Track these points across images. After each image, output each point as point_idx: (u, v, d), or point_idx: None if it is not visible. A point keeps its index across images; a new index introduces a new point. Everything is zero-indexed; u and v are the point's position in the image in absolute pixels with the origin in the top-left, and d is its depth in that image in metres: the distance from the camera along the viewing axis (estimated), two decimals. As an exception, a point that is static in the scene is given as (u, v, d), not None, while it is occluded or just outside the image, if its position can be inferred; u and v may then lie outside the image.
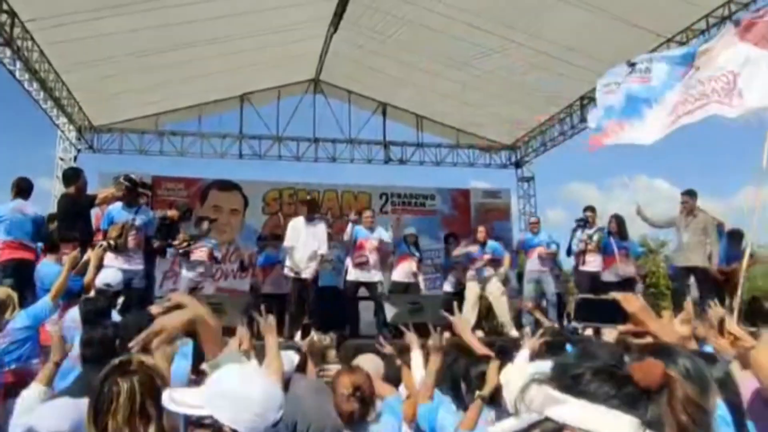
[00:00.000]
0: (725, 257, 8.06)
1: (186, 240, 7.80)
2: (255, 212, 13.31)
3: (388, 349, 3.73)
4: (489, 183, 16.91)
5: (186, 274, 8.15)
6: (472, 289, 8.46)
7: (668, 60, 5.77)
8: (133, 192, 6.45)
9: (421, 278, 9.17)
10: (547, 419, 0.93)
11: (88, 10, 8.57)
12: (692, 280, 7.83)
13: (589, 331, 5.97)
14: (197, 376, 2.30)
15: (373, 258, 8.00)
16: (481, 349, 3.21)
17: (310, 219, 7.74)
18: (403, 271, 8.72)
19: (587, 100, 12.10)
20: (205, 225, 8.37)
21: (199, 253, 8.11)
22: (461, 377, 3.02)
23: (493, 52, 10.62)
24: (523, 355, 3.10)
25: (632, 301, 1.68)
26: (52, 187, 12.34)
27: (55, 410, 2.24)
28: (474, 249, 8.63)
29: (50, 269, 4.80)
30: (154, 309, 2.88)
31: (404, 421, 2.81)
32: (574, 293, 9.83)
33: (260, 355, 3.46)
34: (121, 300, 4.93)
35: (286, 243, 7.65)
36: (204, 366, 1.62)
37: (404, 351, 3.61)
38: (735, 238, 8.17)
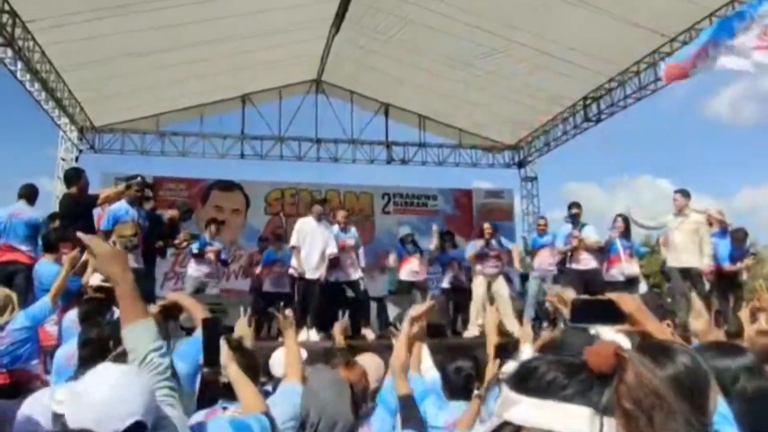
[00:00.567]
0: (729, 257, 8.02)
1: (186, 239, 7.78)
2: (257, 212, 13.32)
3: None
4: (492, 183, 16.90)
5: (192, 273, 8.14)
6: (479, 287, 8.39)
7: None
8: (142, 193, 6.49)
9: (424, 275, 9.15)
10: (506, 423, 0.89)
11: (89, 10, 8.56)
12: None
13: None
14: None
15: (351, 257, 7.97)
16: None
17: (319, 219, 7.72)
18: (406, 271, 8.83)
19: (590, 99, 12.09)
20: (213, 228, 8.35)
21: (209, 254, 8.11)
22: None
23: (496, 52, 10.60)
24: (525, 352, 3.07)
25: (629, 302, 1.66)
26: (53, 188, 12.34)
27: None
28: (479, 245, 8.56)
29: (49, 269, 4.79)
30: (152, 308, 2.86)
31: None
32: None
33: (266, 354, 3.44)
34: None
35: (293, 243, 7.59)
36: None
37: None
38: (738, 237, 8.13)
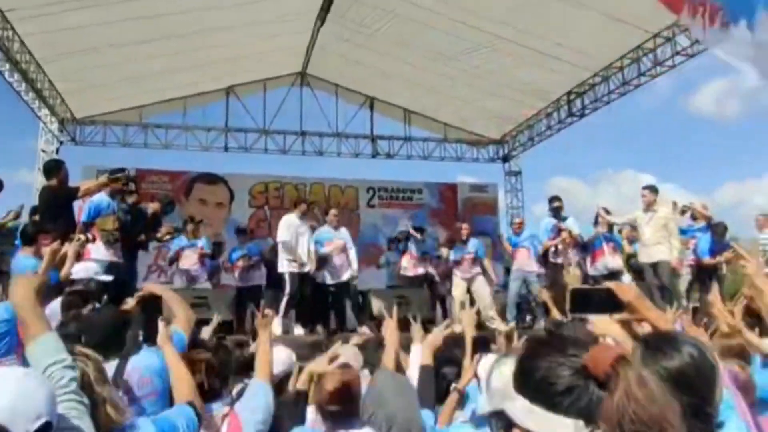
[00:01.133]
0: (710, 250, 8.12)
1: (169, 232, 7.72)
2: (241, 206, 13.25)
3: (360, 337, 3.70)
4: (476, 177, 16.94)
5: (178, 277, 8.15)
6: (459, 287, 8.46)
7: None
8: (127, 187, 6.43)
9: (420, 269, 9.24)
10: (503, 411, 0.96)
11: (71, -1, 8.45)
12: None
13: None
14: None
15: (340, 259, 7.90)
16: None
17: (302, 218, 7.72)
18: (403, 267, 9.18)
19: (574, 95, 12.15)
20: (191, 227, 8.29)
21: (187, 260, 8.05)
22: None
23: (481, 47, 10.61)
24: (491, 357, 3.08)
25: (627, 291, 1.66)
26: (34, 180, 12.17)
27: None
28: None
29: (26, 263, 4.71)
30: (130, 302, 2.84)
31: None
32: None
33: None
34: (105, 293, 4.87)
35: (284, 238, 7.56)
36: None
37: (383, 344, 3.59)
38: (719, 231, 8.22)
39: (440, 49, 11.01)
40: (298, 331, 7.40)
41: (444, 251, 9.13)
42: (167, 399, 2.45)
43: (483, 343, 2.93)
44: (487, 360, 2.51)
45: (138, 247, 7.21)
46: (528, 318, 9.08)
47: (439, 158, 14.83)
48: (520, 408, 0.94)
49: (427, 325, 4.26)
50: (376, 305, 7.48)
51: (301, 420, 2.60)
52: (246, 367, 3.44)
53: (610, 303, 1.67)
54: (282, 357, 3.08)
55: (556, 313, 4.76)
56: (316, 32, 11.19)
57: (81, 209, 6.73)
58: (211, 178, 13.31)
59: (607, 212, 8.34)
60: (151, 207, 7.28)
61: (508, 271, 9.69)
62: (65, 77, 11.04)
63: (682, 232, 8.49)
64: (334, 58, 12.52)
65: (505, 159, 15.19)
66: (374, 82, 13.31)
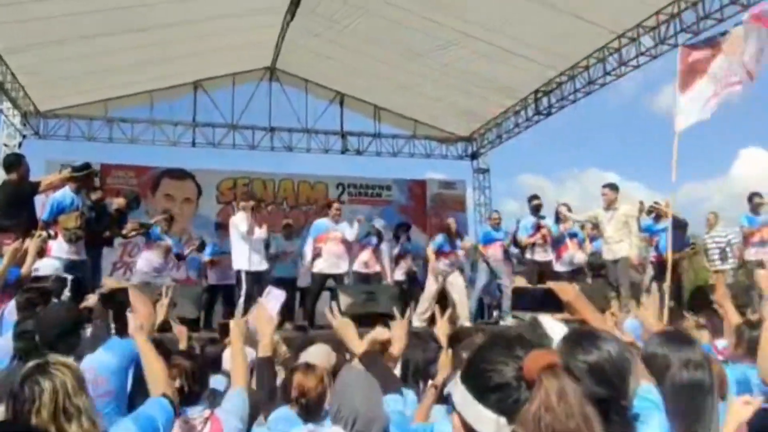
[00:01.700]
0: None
1: (135, 229, 7.61)
2: (209, 201, 13.12)
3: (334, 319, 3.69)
4: (445, 174, 17.03)
5: (141, 266, 7.94)
6: (433, 284, 8.50)
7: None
8: (89, 181, 6.31)
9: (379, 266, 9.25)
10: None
11: (33, -11, 8.25)
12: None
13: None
14: None
15: (339, 250, 8.04)
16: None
17: (252, 216, 7.66)
18: (359, 263, 9.09)
19: (541, 93, 12.30)
20: (165, 224, 8.18)
21: (154, 252, 7.94)
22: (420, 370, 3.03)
23: (450, 44, 10.68)
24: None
25: (567, 291, 1.71)
26: (-6, 174, 11.87)
27: None
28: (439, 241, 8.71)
29: (-15, 260, 4.62)
30: (91, 299, 2.81)
31: None
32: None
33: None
34: (67, 290, 4.79)
35: (233, 236, 7.49)
36: None
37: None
38: (679, 228, 8.42)
39: (410, 46, 11.04)
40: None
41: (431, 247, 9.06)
42: (123, 399, 2.43)
43: (455, 339, 2.97)
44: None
45: (103, 244, 7.10)
46: (495, 314, 9.20)
47: (408, 155, 14.87)
48: (459, 394, 0.98)
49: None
50: (344, 301, 7.50)
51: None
52: (215, 363, 3.45)
53: (550, 302, 1.72)
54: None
55: None
56: (285, 27, 11.11)
57: (44, 205, 6.60)
58: (179, 174, 13.16)
59: (568, 209, 8.49)
60: (116, 203, 7.18)
61: (473, 266, 9.81)
62: (28, 69, 10.76)
63: (646, 229, 8.69)
64: (303, 53, 12.46)
65: (474, 156, 15.31)
66: (344, 78, 13.28)
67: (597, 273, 8.60)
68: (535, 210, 8.77)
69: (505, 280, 8.76)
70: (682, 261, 8.46)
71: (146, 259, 7.93)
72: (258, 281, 7.38)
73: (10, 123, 12.20)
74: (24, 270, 4.21)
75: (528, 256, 8.74)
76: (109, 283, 2.57)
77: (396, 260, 9.58)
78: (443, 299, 8.45)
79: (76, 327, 2.57)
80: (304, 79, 13.73)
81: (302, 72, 13.54)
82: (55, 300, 3.98)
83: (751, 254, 8.21)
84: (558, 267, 8.62)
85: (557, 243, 8.71)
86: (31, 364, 1.80)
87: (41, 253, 4.82)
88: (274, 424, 2.37)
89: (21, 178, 5.87)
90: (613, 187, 8.03)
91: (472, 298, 8.69)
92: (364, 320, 4.84)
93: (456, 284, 8.39)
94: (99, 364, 2.50)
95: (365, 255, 9.10)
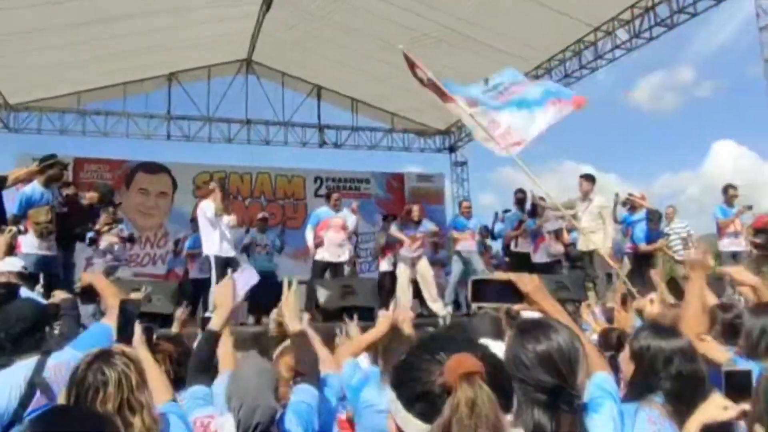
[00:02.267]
0: (645, 238, 8.41)
1: (108, 223, 7.49)
2: (185, 195, 12.95)
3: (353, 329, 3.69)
4: (423, 167, 17.04)
5: (98, 260, 7.99)
6: (404, 271, 8.50)
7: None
8: (58, 174, 6.17)
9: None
10: None
11: (1, -21, 8.04)
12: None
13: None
14: None
15: (340, 238, 8.06)
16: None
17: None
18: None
19: (518, 86, 12.33)
20: (110, 210, 8.07)
21: (107, 238, 7.91)
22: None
23: (427, 37, 10.63)
24: None
25: (527, 282, 1.70)
26: (-37, 168, 11.60)
27: None
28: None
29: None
30: (58, 294, 2.75)
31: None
32: None
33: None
34: (40, 286, 4.69)
35: (201, 223, 7.40)
36: None
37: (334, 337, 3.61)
38: (653, 218, 8.52)
39: (387, 38, 10.96)
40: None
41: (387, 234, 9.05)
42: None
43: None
44: None
45: (75, 239, 6.96)
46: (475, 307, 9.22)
47: (386, 148, 14.87)
48: (391, 399, 0.97)
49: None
50: (322, 294, 7.46)
51: None
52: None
53: (510, 293, 1.71)
54: None
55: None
56: (261, 18, 10.99)
57: (13, 199, 6.46)
58: (154, 168, 12.99)
59: (542, 200, 8.55)
60: (88, 197, 7.03)
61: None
62: (-3, 61, 10.52)
63: (622, 221, 8.79)
64: (280, 45, 12.33)
65: (452, 149, 15.34)
66: (321, 70, 13.19)
67: (573, 264, 8.67)
68: (519, 203, 8.83)
69: (479, 267, 8.79)
70: (656, 252, 8.57)
71: (100, 252, 8.05)
72: (228, 266, 7.28)
73: (-22, 116, 11.93)
74: (-8, 265, 4.11)
75: (512, 248, 8.81)
76: (86, 277, 2.52)
77: (382, 251, 9.56)
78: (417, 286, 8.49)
79: (40, 324, 2.51)
80: (281, 71, 13.62)
81: (279, 64, 13.43)
82: (25, 295, 3.90)
83: (725, 245, 8.34)
84: (536, 258, 8.68)
85: (534, 236, 8.77)
86: (94, 351, 1.79)
87: (11, 248, 4.71)
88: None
89: (-12, 173, 5.74)
90: (589, 178, 8.10)
91: (449, 286, 8.72)
92: (342, 314, 4.83)
93: (424, 277, 8.38)
94: (67, 362, 2.44)
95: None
